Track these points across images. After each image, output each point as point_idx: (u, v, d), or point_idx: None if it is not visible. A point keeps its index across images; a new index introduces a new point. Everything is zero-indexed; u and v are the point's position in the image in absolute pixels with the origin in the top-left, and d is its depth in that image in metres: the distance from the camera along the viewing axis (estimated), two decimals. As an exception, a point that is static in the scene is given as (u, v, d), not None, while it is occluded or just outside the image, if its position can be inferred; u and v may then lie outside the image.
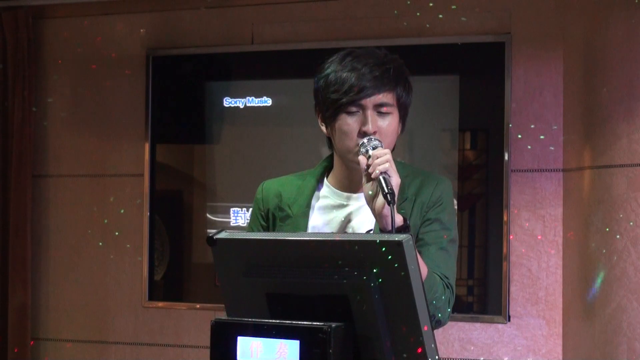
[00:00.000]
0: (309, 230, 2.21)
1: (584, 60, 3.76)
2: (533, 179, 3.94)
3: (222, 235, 1.79)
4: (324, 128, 2.26)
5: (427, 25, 4.09)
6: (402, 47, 4.08)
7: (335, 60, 2.22)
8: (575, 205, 3.81)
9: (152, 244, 4.45)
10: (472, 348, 4.00)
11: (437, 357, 1.67)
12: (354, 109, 2.16)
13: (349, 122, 2.16)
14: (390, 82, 2.17)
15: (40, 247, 4.64)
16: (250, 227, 2.32)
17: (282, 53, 4.27)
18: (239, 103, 4.34)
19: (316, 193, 2.28)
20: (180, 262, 4.48)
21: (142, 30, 4.50)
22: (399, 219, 2.03)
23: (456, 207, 2.33)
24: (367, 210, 2.11)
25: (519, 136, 3.95)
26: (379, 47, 2.32)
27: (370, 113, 2.15)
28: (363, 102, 2.15)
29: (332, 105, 2.18)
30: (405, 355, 1.66)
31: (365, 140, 2.12)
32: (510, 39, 3.96)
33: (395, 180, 2.02)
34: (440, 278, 2.08)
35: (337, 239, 1.71)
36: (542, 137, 3.93)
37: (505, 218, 3.93)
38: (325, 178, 2.30)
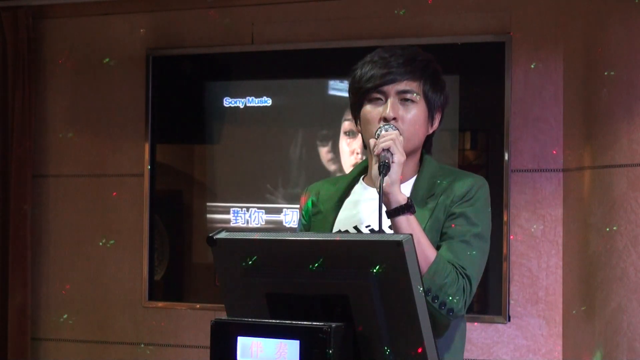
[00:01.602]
0: (336, 225, 2.21)
1: (584, 60, 3.76)
2: (533, 179, 3.94)
3: (222, 235, 1.79)
4: (355, 125, 2.26)
5: (427, 26, 4.09)
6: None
7: (365, 57, 2.24)
8: (575, 205, 3.81)
9: (152, 244, 4.45)
10: (472, 348, 4.00)
11: (437, 357, 1.67)
12: (377, 95, 2.17)
13: (372, 110, 2.17)
14: (414, 71, 2.18)
15: (40, 247, 4.64)
16: (299, 227, 2.35)
17: (282, 53, 4.27)
18: (239, 103, 4.34)
19: (351, 191, 2.28)
20: (180, 262, 4.48)
21: (142, 30, 4.50)
22: (401, 198, 2.03)
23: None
24: None
25: (519, 137, 3.95)
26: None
27: (392, 100, 2.16)
28: (385, 88, 2.15)
29: (357, 94, 2.20)
30: (405, 355, 1.66)
31: (381, 124, 2.13)
32: (510, 39, 3.96)
33: (398, 158, 2.02)
34: (454, 266, 2.05)
35: (337, 239, 1.71)
36: (542, 137, 3.93)
37: (505, 218, 3.93)
38: (362, 177, 2.30)
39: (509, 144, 3.94)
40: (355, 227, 2.19)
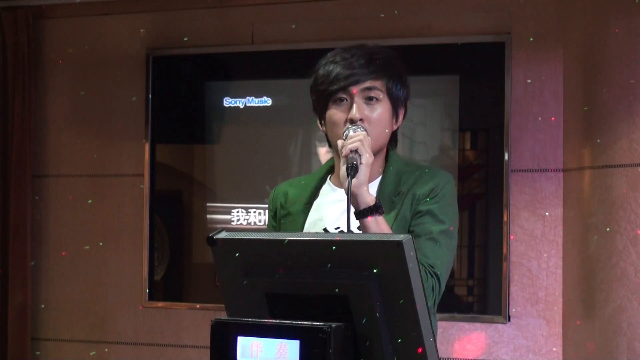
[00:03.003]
0: (306, 226, 2.22)
1: (584, 60, 3.76)
2: (533, 179, 3.94)
3: (222, 235, 1.79)
4: (320, 126, 2.27)
5: (427, 25, 4.09)
6: (402, 47, 4.07)
7: (325, 57, 2.24)
8: (575, 205, 3.81)
9: (152, 244, 4.45)
10: (472, 348, 4.00)
11: (437, 357, 1.67)
12: (342, 96, 2.18)
13: (337, 112, 2.19)
14: (377, 70, 2.18)
15: (40, 247, 4.64)
16: (268, 229, 2.36)
17: (282, 53, 4.27)
18: (239, 103, 4.34)
19: (319, 191, 2.28)
20: (180, 262, 4.48)
21: (142, 30, 4.51)
22: (369, 199, 2.04)
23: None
24: None
25: (519, 137, 3.95)
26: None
27: (357, 101, 2.17)
28: (350, 89, 2.17)
29: (321, 96, 2.21)
30: (405, 355, 1.66)
31: (349, 125, 2.14)
32: (510, 39, 3.96)
33: (366, 159, 2.04)
34: (423, 265, 2.05)
35: (337, 239, 1.71)
36: (542, 137, 3.93)
37: (505, 218, 3.93)
38: (329, 177, 2.30)
39: (509, 144, 3.94)
40: (325, 229, 2.20)
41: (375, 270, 1.64)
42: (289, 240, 1.77)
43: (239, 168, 4.34)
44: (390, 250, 1.63)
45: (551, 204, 3.92)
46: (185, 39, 4.41)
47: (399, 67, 2.24)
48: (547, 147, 3.92)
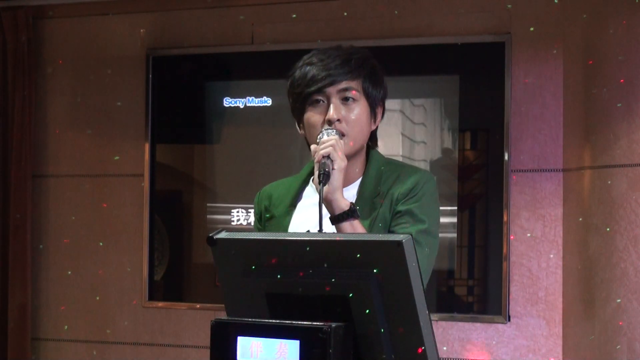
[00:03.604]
0: (290, 228, 2.22)
1: (584, 60, 3.76)
2: (533, 179, 3.94)
3: (222, 235, 1.79)
4: (299, 129, 2.27)
5: (427, 25, 4.09)
6: (402, 47, 4.08)
7: (302, 59, 2.24)
8: (575, 205, 3.81)
9: (152, 244, 4.45)
10: (472, 348, 4.00)
11: (437, 357, 1.67)
12: (318, 97, 2.18)
13: (314, 114, 2.19)
14: (353, 70, 2.18)
15: (40, 247, 4.64)
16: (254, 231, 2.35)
17: (282, 53, 4.27)
18: (239, 103, 4.34)
19: (302, 193, 2.28)
20: (180, 262, 4.48)
21: (142, 30, 4.50)
22: (344, 204, 2.04)
23: (435, 200, 2.25)
24: None
25: (519, 136, 3.95)
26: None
27: (334, 101, 2.17)
28: (326, 90, 2.17)
29: (298, 98, 2.21)
30: (405, 355, 1.66)
31: (323, 129, 2.14)
32: (510, 39, 3.96)
33: (338, 164, 2.04)
34: None
35: (337, 239, 1.71)
36: (542, 137, 3.93)
37: (505, 218, 3.93)
38: (312, 178, 2.31)
39: (509, 144, 3.94)
40: (308, 232, 2.20)
41: (375, 270, 1.64)
42: (289, 240, 1.77)
43: (239, 168, 4.34)
44: (390, 250, 1.63)
45: (551, 204, 3.92)
46: (183, 42, 4.42)
47: (375, 67, 2.24)
48: (547, 147, 3.92)
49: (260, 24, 4.34)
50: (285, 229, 2.23)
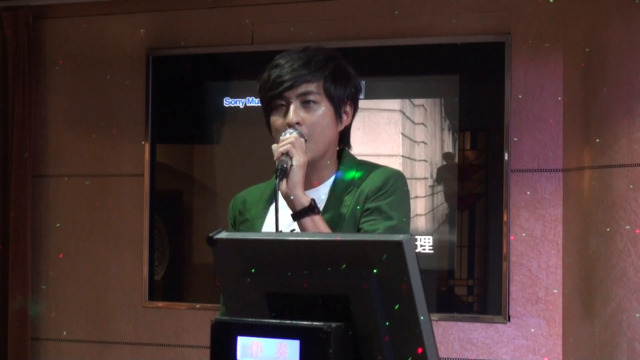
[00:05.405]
0: (263, 230, 2.23)
1: (584, 60, 3.76)
2: (533, 179, 3.94)
3: (222, 235, 1.79)
4: (269, 131, 2.29)
5: (427, 25, 4.09)
6: (402, 47, 4.08)
7: (274, 59, 2.26)
8: (575, 205, 3.81)
9: (152, 244, 4.45)
10: (472, 348, 4.00)
11: (437, 357, 1.67)
12: (280, 102, 2.19)
13: (277, 118, 2.21)
14: (312, 72, 2.19)
15: (40, 247, 4.64)
16: None
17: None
18: (239, 103, 4.34)
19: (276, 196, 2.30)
20: (180, 262, 4.48)
21: (142, 30, 4.51)
22: (304, 200, 2.07)
23: (404, 195, 2.25)
24: None
25: (519, 136, 3.95)
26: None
27: (294, 105, 2.18)
28: (286, 94, 2.18)
29: (263, 102, 2.24)
30: (405, 355, 1.66)
31: (283, 131, 2.16)
32: (510, 39, 3.96)
33: (297, 160, 2.07)
34: None
35: (337, 239, 1.71)
36: (542, 137, 3.94)
37: (505, 218, 3.94)
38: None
39: (509, 144, 3.94)
40: (293, 232, 2.21)
41: (375, 270, 1.64)
42: (289, 240, 1.77)
43: (239, 168, 4.34)
44: (390, 250, 1.63)
45: (551, 204, 3.92)
46: (182, 43, 4.42)
47: (339, 67, 2.24)
48: (547, 147, 3.92)
49: (260, 24, 4.34)
50: (258, 230, 2.24)
